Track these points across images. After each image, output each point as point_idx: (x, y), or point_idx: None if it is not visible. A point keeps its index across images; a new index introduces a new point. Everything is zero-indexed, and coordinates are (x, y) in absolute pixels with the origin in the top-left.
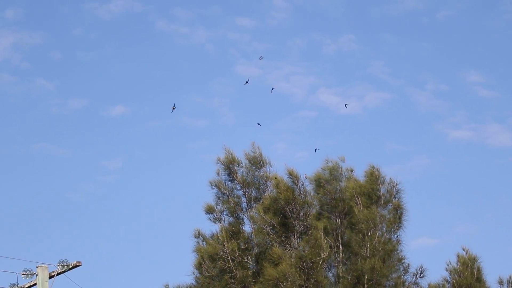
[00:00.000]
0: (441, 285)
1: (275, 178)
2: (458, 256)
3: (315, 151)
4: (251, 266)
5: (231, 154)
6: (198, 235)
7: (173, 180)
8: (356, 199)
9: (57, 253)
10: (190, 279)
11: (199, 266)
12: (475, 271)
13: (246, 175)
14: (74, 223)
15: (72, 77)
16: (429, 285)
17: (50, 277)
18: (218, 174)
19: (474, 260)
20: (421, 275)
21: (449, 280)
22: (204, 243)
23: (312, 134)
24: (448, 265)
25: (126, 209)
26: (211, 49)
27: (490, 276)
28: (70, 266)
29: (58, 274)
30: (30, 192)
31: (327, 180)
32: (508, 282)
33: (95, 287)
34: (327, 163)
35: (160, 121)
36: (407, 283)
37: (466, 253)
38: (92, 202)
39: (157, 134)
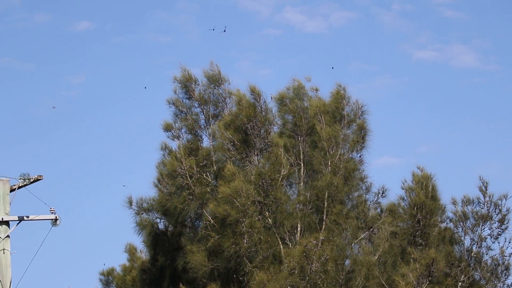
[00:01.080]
0: (396, 204)
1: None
2: (413, 174)
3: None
4: (210, 182)
5: (188, 72)
6: (165, 147)
7: (136, 96)
8: (319, 117)
9: (19, 166)
10: (153, 192)
11: (158, 183)
12: (430, 189)
13: (204, 92)
14: (36, 138)
15: None
16: (387, 206)
17: (11, 190)
18: (175, 92)
19: (428, 178)
20: (383, 194)
21: (405, 198)
22: (169, 156)
23: (277, 52)
24: (403, 184)
25: (89, 124)
26: None
27: (450, 195)
28: (32, 180)
29: (19, 187)
30: None
31: (291, 99)
32: (462, 201)
33: (57, 201)
34: (293, 81)
35: (124, 37)
36: (368, 202)
37: (421, 172)
38: (55, 116)
39: (121, 50)
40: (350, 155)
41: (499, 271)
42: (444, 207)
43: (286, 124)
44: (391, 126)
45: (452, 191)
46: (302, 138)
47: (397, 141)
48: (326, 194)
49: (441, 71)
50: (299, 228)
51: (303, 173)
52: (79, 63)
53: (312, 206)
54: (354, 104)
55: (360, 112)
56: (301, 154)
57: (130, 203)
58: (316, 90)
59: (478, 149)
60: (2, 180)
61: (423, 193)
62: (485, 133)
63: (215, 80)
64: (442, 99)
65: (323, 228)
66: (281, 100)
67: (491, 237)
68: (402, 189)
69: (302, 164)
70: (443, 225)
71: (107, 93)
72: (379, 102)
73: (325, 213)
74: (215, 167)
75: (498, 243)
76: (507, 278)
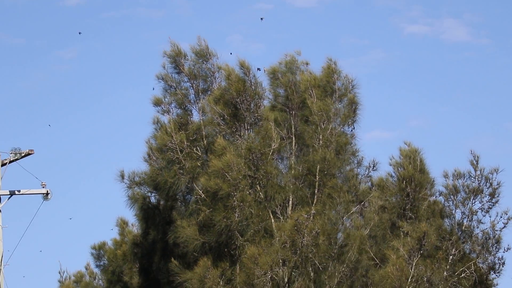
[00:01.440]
0: (385, 179)
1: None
2: (400, 150)
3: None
4: (201, 157)
5: (177, 47)
6: (157, 121)
7: (127, 70)
8: (310, 91)
9: (10, 141)
10: (145, 166)
11: (148, 158)
12: (418, 163)
13: (193, 67)
14: (27, 112)
15: None
16: (376, 181)
17: (2, 164)
18: (164, 67)
19: (416, 152)
20: (374, 168)
21: (393, 174)
22: (160, 131)
23: (268, 27)
24: (391, 160)
25: (80, 98)
26: None
27: (441, 169)
28: (23, 154)
29: (10, 162)
30: None
31: (283, 73)
32: (453, 175)
33: (47, 175)
34: (285, 57)
35: (115, 11)
36: (360, 176)
37: (408, 146)
38: (46, 91)
39: (112, 25)
40: (342, 129)
41: (490, 245)
42: (433, 181)
43: (278, 98)
44: (382, 100)
45: (443, 164)
46: (293, 112)
47: (388, 115)
48: (318, 168)
49: (432, 45)
50: (290, 202)
51: (295, 147)
52: (70, 38)
53: (304, 180)
54: (344, 78)
55: (350, 87)
56: (293, 128)
57: (122, 176)
58: (307, 64)
59: (469, 123)
60: None
61: (412, 167)
62: (476, 107)
63: (203, 55)
64: (433, 73)
65: (314, 202)
66: (273, 74)
67: (482, 210)
68: (390, 165)
69: (293, 138)
70: (432, 198)
71: (98, 68)
72: (370, 76)
73: (316, 187)
74: (205, 142)
75: (490, 216)
76: (497, 251)
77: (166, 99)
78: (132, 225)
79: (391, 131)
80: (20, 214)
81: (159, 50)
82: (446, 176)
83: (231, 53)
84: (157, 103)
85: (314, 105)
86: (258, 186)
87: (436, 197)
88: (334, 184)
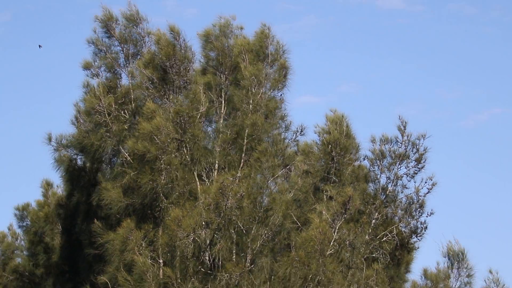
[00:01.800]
0: (309, 145)
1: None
2: (326, 116)
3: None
4: (128, 120)
5: (109, 12)
6: (87, 85)
7: (62, 34)
8: (244, 55)
9: None
10: (73, 129)
11: (76, 121)
12: (344, 128)
13: (124, 31)
14: None
15: None
16: (301, 147)
17: None
18: (95, 31)
19: (342, 118)
20: (302, 132)
21: (318, 142)
22: (88, 94)
23: None
24: (316, 128)
25: (12, 61)
26: None
27: (370, 134)
28: None
29: None
30: None
31: (217, 37)
32: (381, 140)
33: None
34: (220, 19)
35: None
36: (287, 140)
37: (334, 113)
38: None
39: None
40: (272, 94)
41: (413, 209)
42: (359, 146)
43: (210, 61)
44: (314, 66)
45: (373, 130)
46: (225, 76)
47: (319, 80)
48: (247, 132)
49: (367, 11)
50: (216, 166)
51: (224, 111)
52: (4, 0)
53: (233, 143)
54: (277, 43)
55: (281, 52)
56: (223, 92)
57: (50, 139)
58: (241, 28)
59: (400, 89)
60: None
61: (337, 132)
62: (408, 73)
63: (133, 20)
64: (366, 39)
65: (241, 165)
66: (206, 37)
67: (407, 176)
68: (315, 133)
69: (223, 102)
70: (357, 163)
71: (33, 31)
72: (303, 42)
73: (244, 151)
74: (133, 105)
75: (414, 182)
76: (420, 215)
77: (96, 63)
78: (57, 186)
79: (321, 96)
80: None
81: (91, 14)
82: (373, 141)
83: None
84: (86, 66)
85: (246, 70)
86: (184, 149)
87: (360, 161)
88: (263, 149)
